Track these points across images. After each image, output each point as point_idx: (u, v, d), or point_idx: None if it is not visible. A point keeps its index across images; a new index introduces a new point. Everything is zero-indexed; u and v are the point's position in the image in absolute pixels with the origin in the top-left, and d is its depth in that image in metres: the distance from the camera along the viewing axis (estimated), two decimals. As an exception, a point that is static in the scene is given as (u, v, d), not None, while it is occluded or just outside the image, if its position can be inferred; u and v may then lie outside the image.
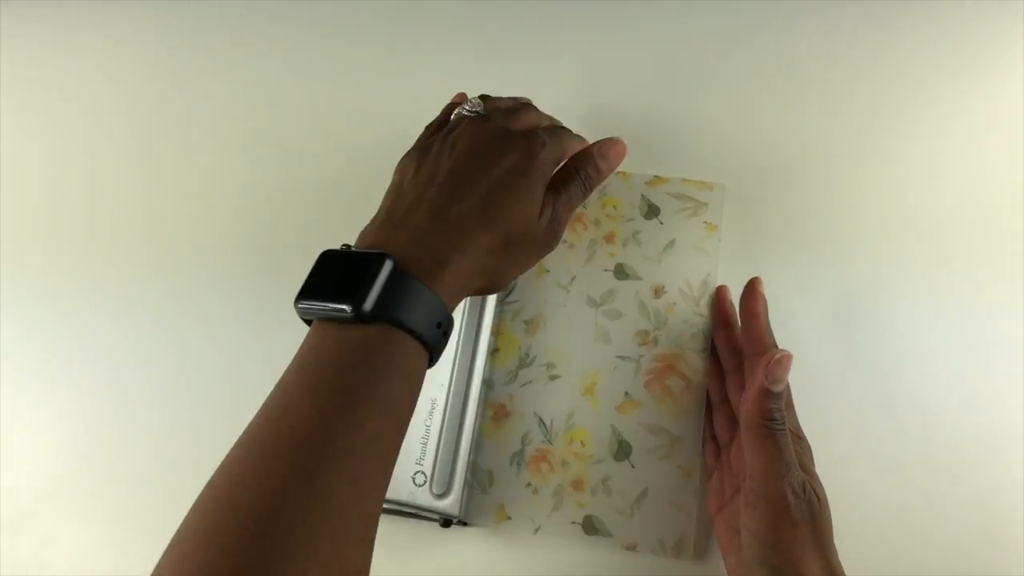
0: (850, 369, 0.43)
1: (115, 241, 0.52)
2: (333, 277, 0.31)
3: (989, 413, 0.41)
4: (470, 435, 0.42)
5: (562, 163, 0.38)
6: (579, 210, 0.46)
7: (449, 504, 0.40)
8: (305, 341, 0.31)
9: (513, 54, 0.54)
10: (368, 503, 0.27)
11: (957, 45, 0.49)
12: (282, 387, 0.29)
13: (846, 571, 0.33)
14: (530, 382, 0.43)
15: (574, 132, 0.40)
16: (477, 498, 0.42)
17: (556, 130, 0.39)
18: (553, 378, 0.43)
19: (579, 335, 0.44)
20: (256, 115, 0.55)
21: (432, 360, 0.32)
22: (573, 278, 0.45)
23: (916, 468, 0.41)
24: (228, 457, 0.27)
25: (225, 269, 0.51)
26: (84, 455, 0.47)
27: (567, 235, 0.46)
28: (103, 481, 0.46)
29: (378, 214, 0.35)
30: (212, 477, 0.27)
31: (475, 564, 0.42)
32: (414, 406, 0.31)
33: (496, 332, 0.44)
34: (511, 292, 0.45)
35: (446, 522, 0.41)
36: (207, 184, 0.53)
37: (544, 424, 0.42)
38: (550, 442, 0.42)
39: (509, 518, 0.41)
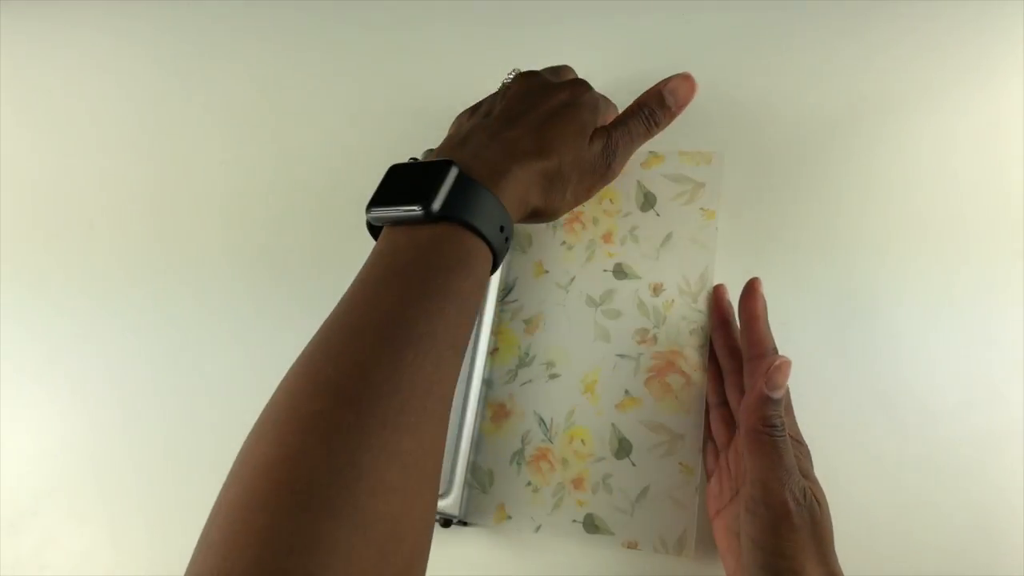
0: (848, 369, 0.43)
1: (115, 240, 0.52)
2: (402, 184, 0.33)
3: (989, 414, 0.41)
4: (470, 434, 0.41)
5: (603, 120, 0.40)
6: (577, 209, 0.46)
7: (449, 504, 0.40)
8: (376, 245, 0.32)
9: (508, 34, 0.54)
10: (446, 385, 0.29)
11: (964, 44, 0.49)
12: (360, 281, 0.31)
13: (849, 573, 0.33)
14: (530, 381, 0.43)
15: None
16: (477, 498, 0.42)
17: (603, 95, 0.41)
18: (553, 377, 0.43)
19: (578, 334, 0.44)
20: (257, 114, 0.55)
21: (495, 264, 0.34)
22: (572, 278, 0.45)
23: (915, 469, 0.41)
24: (313, 340, 0.28)
25: (227, 267, 0.51)
26: (84, 454, 0.47)
27: (565, 236, 0.46)
28: (103, 480, 0.46)
29: (439, 147, 0.38)
30: (295, 363, 0.28)
31: (475, 564, 0.42)
32: (480, 302, 0.33)
33: (496, 331, 0.44)
34: (510, 292, 0.45)
35: (446, 522, 0.41)
36: (209, 182, 0.53)
37: (544, 423, 0.42)
38: (550, 441, 0.42)
39: (509, 517, 0.41)
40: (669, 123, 0.39)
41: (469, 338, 0.31)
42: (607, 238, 0.45)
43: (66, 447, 0.47)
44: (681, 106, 0.39)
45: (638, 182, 0.46)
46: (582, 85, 0.39)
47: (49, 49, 0.59)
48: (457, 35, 0.55)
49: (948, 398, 0.42)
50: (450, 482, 0.40)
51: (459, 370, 0.30)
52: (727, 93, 0.50)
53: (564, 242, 0.46)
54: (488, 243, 0.32)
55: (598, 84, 0.42)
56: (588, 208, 0.46)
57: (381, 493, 0.24)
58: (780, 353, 0.38)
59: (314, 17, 0.57)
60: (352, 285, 0.31)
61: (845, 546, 0.34)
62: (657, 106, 0.39)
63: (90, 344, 0.50)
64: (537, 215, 0.37)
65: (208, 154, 0.54)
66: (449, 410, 0.29)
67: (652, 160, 0.46)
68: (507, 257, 0.45)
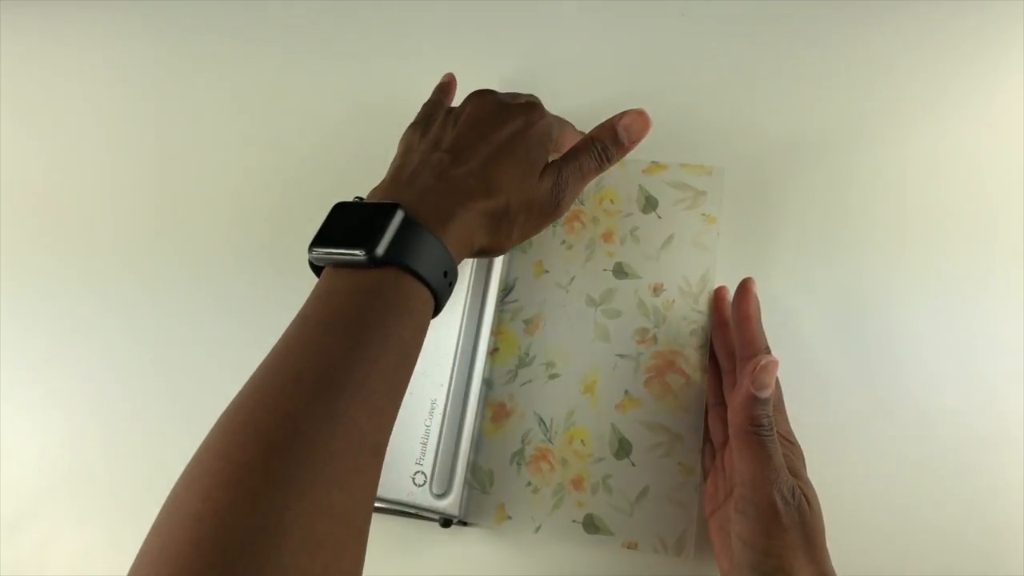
0: (847, 371, 0.43)
1: (115, 240, 0.52)
2: (346, 225, 0.32)
3: (988, 415, 0.41)
4: (470, 435, 0.41)
5: (558, 145, 0.39)
6: (577, 207, 0.46)
7: (449, 504, 0.40)
8: (318, 285, 0.32)
9: (510, 40, 0.54)
10: (380, 436, 0.29)
11: (958, 43, 0.49)
12: (298, 323, 0.30)
13: (844, 574, 0.33)
14: (530, 381, 0.43)
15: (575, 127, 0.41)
16: (477, 498, 0.42)
17: (557, 117, 0.40)
18: (553, 377, 0.43)
19: (578, 334, 0.44)
20: (256, 112, 0.55)
21: (437, 308, 0.33)
22: (572, 278, 0.45)
23: (914, 469, 0.41)
24: (249, 384, 0.28)
25: (228, 266, 0.51)
26: (84, 454, 0.47)
27: (565, 235, 0.46)
28: (103, 480, 0.46)
29: (385, 178, 0.37)
30: (231, 404, 0.28)
31: (475, 564, 0.42)
32: (420, 348, 0.32)
33: (496, 331, 0.44)
34: (510, 292, 0.45)
35: (446, 522, 0.41)
36: (207, 182, 0.53)
37: (544, 423, 0.42)
38: (550, 441, 0.42)
39: (509, 518, 0.41)
40: (621, 158, 0.39)
41: (406, 385, 0.31)
42: (607, 237, 0.45)
43: (66, 447, 0.48)
44: (634, 142, 0.38)
45: (640, 185, 0.46)
46: (536, 110, 0.38)
47: (49, 48, 0.59)
48: (457, 35, 0.55)
49: (947, 399, 0.42)
50: (450, 482, 0.40)
51: (395, 419, 0.30)
52: (725, 99, 0.50)
53: (564, 241, 0.46)
54: (431, 288, 0.32)
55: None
56: (588, 207, 0.46)
57: (308, 549, 0.24)
58: (775, 354, 0.38)
59: (314, 16, 0.57)
60: (290, 327, 0.30)
61: (843, 547, 0.34)
62: (610, 142, 0.38)
63: (91, 344, 0.50)
64: (483, 253, 0.37)
65: (209, 152, 0.54)
66: (382, 460, 0.29)
67: (654, 168, 0.46)
68: (507, 257, 0.45)
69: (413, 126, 0.40)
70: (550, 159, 0.38)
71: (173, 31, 0.58)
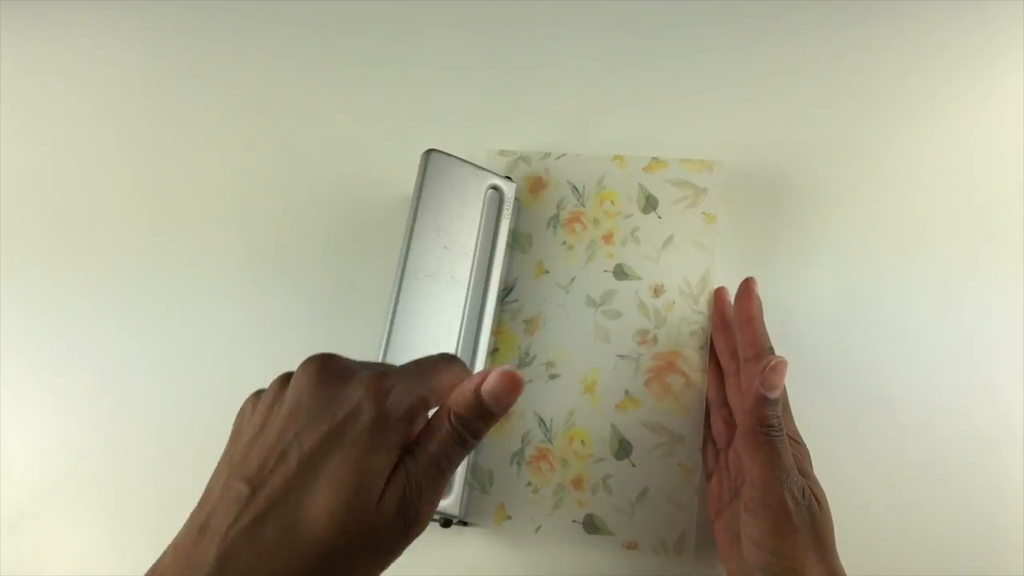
0: (848, 370, 0.43)
1: (115, 241, 0.52)
2: None
3: (989, 414, 0.41)
4: (470, 435, 0.41)
5: (427, 407, 0.28)
6: (577, 209, 0.46)
7: (449, 504, 0.40)
8: None
9: (509, 40, 0.54)
10: None
11: (959, 40, 0.49)
12: None
13: (849, 573, 0.33)
14: (530, 381, 0.43)
15: (449, 358, 0.30)
16: (477, 498, 0.42)
17: (417, 365, 0.29)
18: (553, 377, 0.43)
19: (579, 335, 0.44)
20: (258, 113, 0.55)
21: None
22: (572, 279, 0.45)
23: (916, 469, 0.41)
24: None
25: (224, 270, 0.51)
26: (84, 455, 0.47)
27: (566, 236, 0.46)
28: (103, 481, 0.47)
29: (190, 519, 0.27)
30: None
31: (475, 564, 0.42)
32: None
33: (496, 332, 0.44)
34: (510, 292, 0.45)
35: (446, 522, 0.41)
36: (209, 184, 0.53)
37: (544, 423, 0.42)
38: (550, 441, 0.42)
39: (509, 518, 0.41)
40: (489, 430, 0.29)
41: None
42: (608, 239, 0.45)
43: (66, 447, 0.48)
44: (505, 409, 0.28)
45: (640, 185, 0.46)
46: (382, 381, 0.27)
47: (49, 50, 0.59)
48: (457, 38, 0.55)
49: (948, 399, 0.42)
50: (450, 482, 0.40)
51: None
52: (725, 98, 0.50)
53: (565, 242, 0.46)
54: None
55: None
56: (589, 208, 0.46)
57: None
58: (778, 353, 0.38)
59: (318, 17, 0.57)
60: None
61: (845, 546, 0.34)
62: (475, 416, 0.28)
63: (91, 344, 0.50)
64: None
65: (210, 154, 0.54)
66: None
67: (654, 165, 0.46)
68: (507, 257, 0.45)
69: (251, 398, 0.30)
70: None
71: (174, 33, 0.58)
